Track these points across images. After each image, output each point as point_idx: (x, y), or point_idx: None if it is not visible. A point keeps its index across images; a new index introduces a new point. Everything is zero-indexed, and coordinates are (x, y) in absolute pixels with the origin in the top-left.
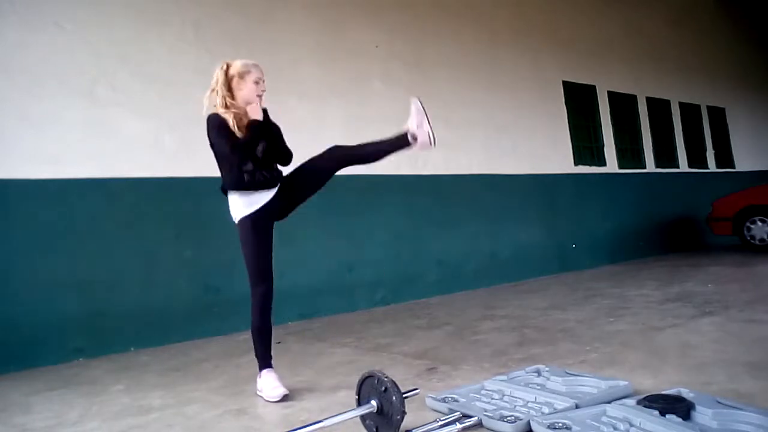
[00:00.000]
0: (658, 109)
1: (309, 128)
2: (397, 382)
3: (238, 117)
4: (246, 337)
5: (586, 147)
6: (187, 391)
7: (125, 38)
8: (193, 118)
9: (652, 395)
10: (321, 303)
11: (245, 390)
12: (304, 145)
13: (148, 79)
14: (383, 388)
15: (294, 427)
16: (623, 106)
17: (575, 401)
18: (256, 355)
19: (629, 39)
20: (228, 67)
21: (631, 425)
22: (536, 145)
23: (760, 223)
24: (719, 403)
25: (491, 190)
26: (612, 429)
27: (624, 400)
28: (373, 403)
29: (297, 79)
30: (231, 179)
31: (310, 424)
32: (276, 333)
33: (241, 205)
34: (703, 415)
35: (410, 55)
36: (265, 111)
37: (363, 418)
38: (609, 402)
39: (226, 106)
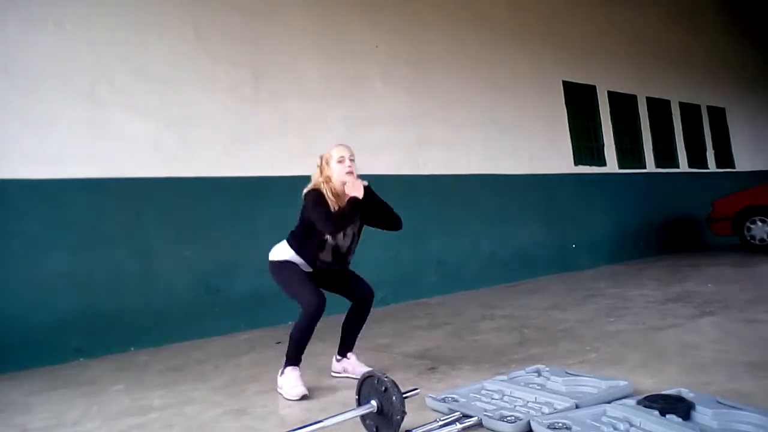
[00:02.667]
0: (658, 109)
1: (309, 128)
2: (397, 382)
3: (335, 193)
4: (246, 337)
5: (586, 147)
6: (187, 391)
7: (125, 38)
8: (193, 118)
9: (652, 395)
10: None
11: (245, 390)
12: (303, 145)
13: (148, 79)
14: (383, 388)
15: (294, 427)
16: (623, 106)
17: (575, 401)
18: (287, 354)
19: (629, 39)
20: (321, 157)
21: (631, 425)
22: (536, 145)
23: (760, 223)
24: (719, 403)
25: (491, 190)
26: (612, 429)
27: (624, 400)
28: (373, 403)
29: (297, 79)
30: (304, 251)
31: (310, 424)
32: (276, 333)
33: (295, 258)
34: (703, 415)
35: (410, 55)
36: (367, 189)
37: (363, 418)
38: (609, 402)
39: (325, 183)
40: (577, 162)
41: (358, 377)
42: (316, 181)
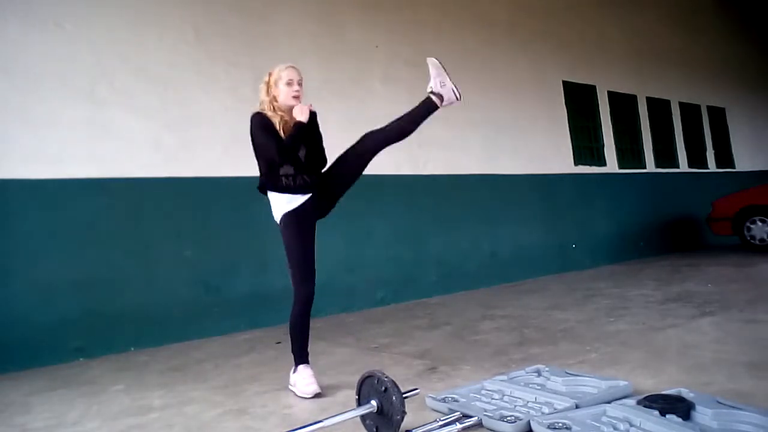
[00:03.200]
0: (658, 109)
1: None
2: (397, 382)
3: (283, 120)
4: (246, 337)
5: (586, 147)
6: (187, 391)
7: (125, 38)
8: (193, 118)
9: (652, 395)
10: (321, 303)
11: (245, 390)
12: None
13: (148, 79)
14: (383, 388)
15: (294, 427)
16: (623, 106)
17: (575, 401)
18: (293, 351)
19: (629, 39)
20: (270, 75)
21: (631, 425)
22: (536, 145)
23: (760, 223)
24: (719, 403)
25: (491, 190)
26: (612, 429)
27: (624, 400)
28: (373, 403)
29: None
30: (270, 181)
31: (310, 424)
32: (276, 333)
33: (283, 202)
34: (703, 415)
35: (410, 55)
36: (313, 114)
37: (363, 418)
38: (609, 402)
39: (273, 110)
40: (577, 162)
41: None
42: (262, 100)
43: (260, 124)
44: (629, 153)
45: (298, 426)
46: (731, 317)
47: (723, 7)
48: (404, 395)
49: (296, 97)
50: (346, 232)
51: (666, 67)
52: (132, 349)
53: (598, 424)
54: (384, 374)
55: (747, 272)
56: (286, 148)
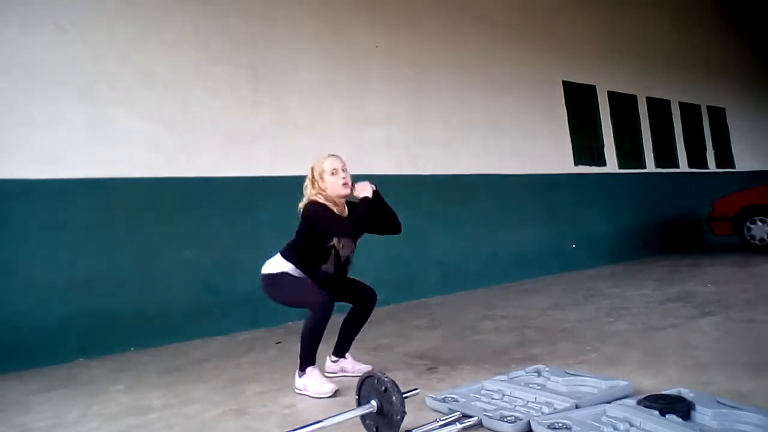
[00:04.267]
0: (658, 109)
1: (309, 128)
2: (397, 382)
3: (336, 208)
4: (246, 337)
5: (586, 147)
6: (187, 391)
7: (125, 38)
8: (193, 118)
9: (652, 395)
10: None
11: (245, 390)
12: (303, 145)
13: (148, 79)
14: (383, 388)
15: (294, 427)
16: (623, 106)
17: (575, 401)
18: (300, 356)
19: (629, 39)
20: (312, 169)
21: (631, 425)
22: (536, 145)
23: (760, 223)
24: (719, 403)
25: (491, 190)
26: (612, 429)
27: (624, 400)
28: (373, 403)
29: (297, 79)
30: (307, 263)
31: (310, 424)
32: (276, 333)
33: (293, 271)
34: (703, 415)
35: (410, 55)
36: (376, 192)
37: (363, 418)
38: (609, 402)
39: (324, 198)
40: (577, 162)
41: (359, 375)
42: (311, 195)
43: (323, 212)
44: (629, 153)
45: (298, 426)
46: (731, 317)
47: (723, 8)
48: (404, 395)
49: (345, 185)
50: None
51: (666, 67)
52: (132, 349)
53: (598, 424)
54: (384, 374)
55: (747, 272)
56: (360, 222)
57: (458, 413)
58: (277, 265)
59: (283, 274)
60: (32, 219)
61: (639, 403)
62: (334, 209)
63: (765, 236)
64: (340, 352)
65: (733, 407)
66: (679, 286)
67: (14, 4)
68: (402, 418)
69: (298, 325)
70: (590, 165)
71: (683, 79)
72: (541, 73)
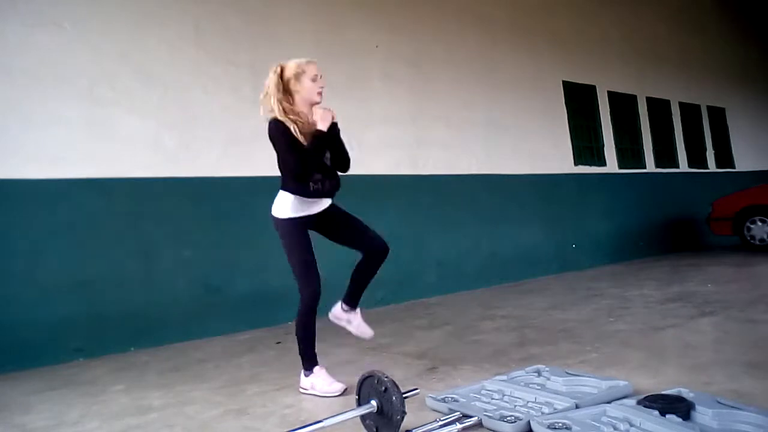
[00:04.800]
0: (658, 109)
1: None
2: (397, 382)
3: (300, 123)
4: (246, 337)
5: (586, 147)
6: (187, 391)
7: (125, 38)
8: (193, 118)
9: (652, 395)
10: (321, 303)
11: (245, 390)
12: None
13: (148, 79)
14: (383, 388)
15: (294, 427)
16: (623, 106)
17: (575, 401)
18: (301, 354)
19: (629, 39)
20: (282, 69)
21: (631, 425)
22: (536, 145)
23: (760, 223)
24: (719, 403)
25: (491, 190)
26: (612, 429)
27: (624, 400)
28: (373, 403)
29: None
30: (296, 187)
31: (310, 424)
32: (276, 333)
33: (295, 207)
34: (703, 415)
35: (410, 55)
36: (334, 124)
37: (363, 418)
38: (609, 402)
39: (285, 112)
40: (577, 162)
41: (366, 337)
42: (276, 97)
43: (281, 133)
44: (629, 153)
45: (298, 426)
46: (731, 317)
47: (723, 7)
48: (404, 395)
49: (320, 94)
50: None
51: (666, 67)
52: (132, 349)
53: (598, 424)
54: (384, 374)
55: (747, 272)
56: (309, 163)
57: (458, 413)
58: (281, 204)
59: (288, 224)
60: (32, 219)
61: (639, 403)
62: (298, 122)
63: (765, 236)
64: (351, 301)
65: (733, 407)
66: (679, 286)
67: (14, 4)
68: (402, 418)
69: None
70: (590, 165)
71: (683, 79)
72: (541, 73)
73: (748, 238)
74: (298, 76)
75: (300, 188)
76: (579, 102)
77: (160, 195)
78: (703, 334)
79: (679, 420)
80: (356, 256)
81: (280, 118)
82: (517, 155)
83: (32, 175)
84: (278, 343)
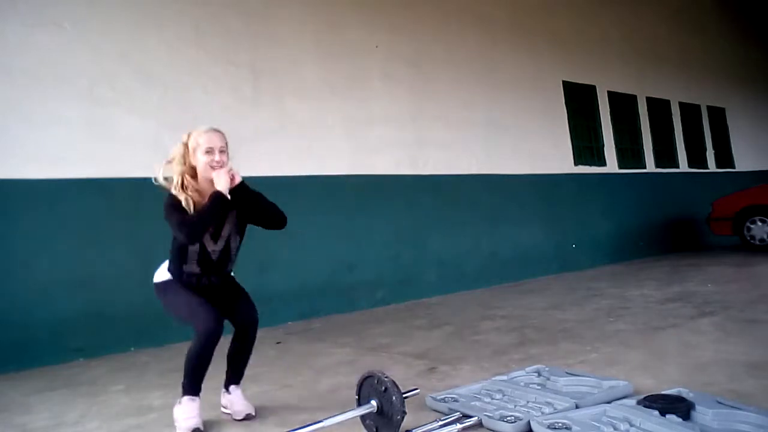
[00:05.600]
0: (658, 109)
1: (309, 128)
2: (397, 382)
3: (195, 202)
4: None
5: (586, 147)
6: None
7: (125, 38)
8: (193, 118)
9: (652, 395)
10: (321, 303)
11: (245, 390)
12: (303, 145)
13: (148, 79)
14: (383, 388)
15: (294, 427)
16: (623, 106)
17: (575, 401)
18: (183, 384)
19: (629, 39)
20: (188, 136)
21: (631, 425)
22: (536, 145)
23: (760, 223)
24: (719, 403)
25: (491, 190)
26: (612, 429)
27: (624, 400)
28: (373, 403)
29: (297, 78)
30: (172, 268)
31: (310, 424)
32: (276, 333)
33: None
34: (703, 415)
35: (410, 55)
36: (241, 184)
37: (363, 418)
38: (609, 402)
39: (183, 187)
40: (577, 162)
41: (238, 418)
42: (178, 169)
43: (170, 206)
44: (629, 153)
45: (298, 426)
46: (731, 317)
47: (723, 7)
48: (404, 395)
49: (214, 168)
50: (346, 231)
51: (666, 67)
52: (132, 349)
53: (598, 424)
54: (384, 374)
55: (747, 272)
56: (195, 224)
57: (458, 413)
58: (160, 271)
59: (166, 284)
60: (32, 219)
61: (639, 403)
62: (189, 202)
63: (765, 236)
64: (227, 383)
65: (733, 407)
66: (679, 286)
67: (14, 4)
68: (402, 418)
69: (299, 325)
70: (590, 165)
71: (683, 79)
72: (541, 73)
73: (748, 238)
74: (194, 149)
75: (173, 271)
76: (579, 102)
77: (160, 195)
78: (703, 334)
79: (679, 420)
80: (356, 256)
81: (173, 192)
82: (517, 155)
83: (32, 175)
84: (278, 343)
